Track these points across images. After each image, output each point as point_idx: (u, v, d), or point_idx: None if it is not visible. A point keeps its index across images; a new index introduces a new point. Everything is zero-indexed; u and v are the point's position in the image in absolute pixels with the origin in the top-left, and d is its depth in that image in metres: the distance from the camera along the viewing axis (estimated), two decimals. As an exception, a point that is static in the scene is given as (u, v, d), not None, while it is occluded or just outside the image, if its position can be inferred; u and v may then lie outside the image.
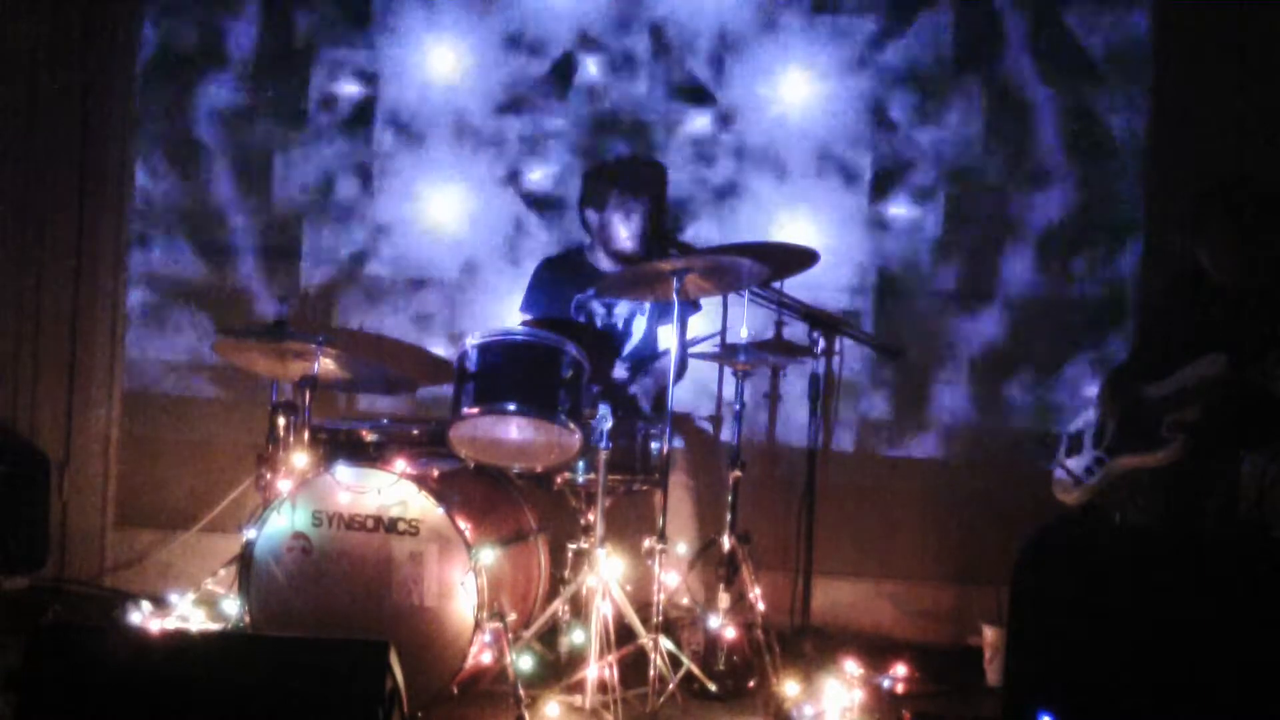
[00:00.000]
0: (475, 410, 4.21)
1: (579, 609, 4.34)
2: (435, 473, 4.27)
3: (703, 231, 5.51)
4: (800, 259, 4.63)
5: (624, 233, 4.94)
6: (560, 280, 5.07)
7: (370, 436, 4.50)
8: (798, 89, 5.52)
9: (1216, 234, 4.55)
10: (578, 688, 4.16)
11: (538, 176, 5.62)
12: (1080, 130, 5.45)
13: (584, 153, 5.56)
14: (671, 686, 4.17)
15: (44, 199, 5.69)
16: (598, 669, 4.11)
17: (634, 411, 4.73)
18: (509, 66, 5.61)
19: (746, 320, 4.49)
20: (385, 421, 4.73)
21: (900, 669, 4.72)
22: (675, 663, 4.22)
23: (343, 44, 5.69)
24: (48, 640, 3.33)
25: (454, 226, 5.67)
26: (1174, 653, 3.53)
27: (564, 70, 5.59)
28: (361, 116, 5.69)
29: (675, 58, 5.55)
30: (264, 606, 4.17)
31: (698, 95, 5.55)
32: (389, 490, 4.13)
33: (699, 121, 5.55)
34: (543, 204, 5.62)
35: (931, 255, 5.52)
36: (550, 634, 4.44)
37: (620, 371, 4.99)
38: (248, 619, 4.17)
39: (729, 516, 4.47)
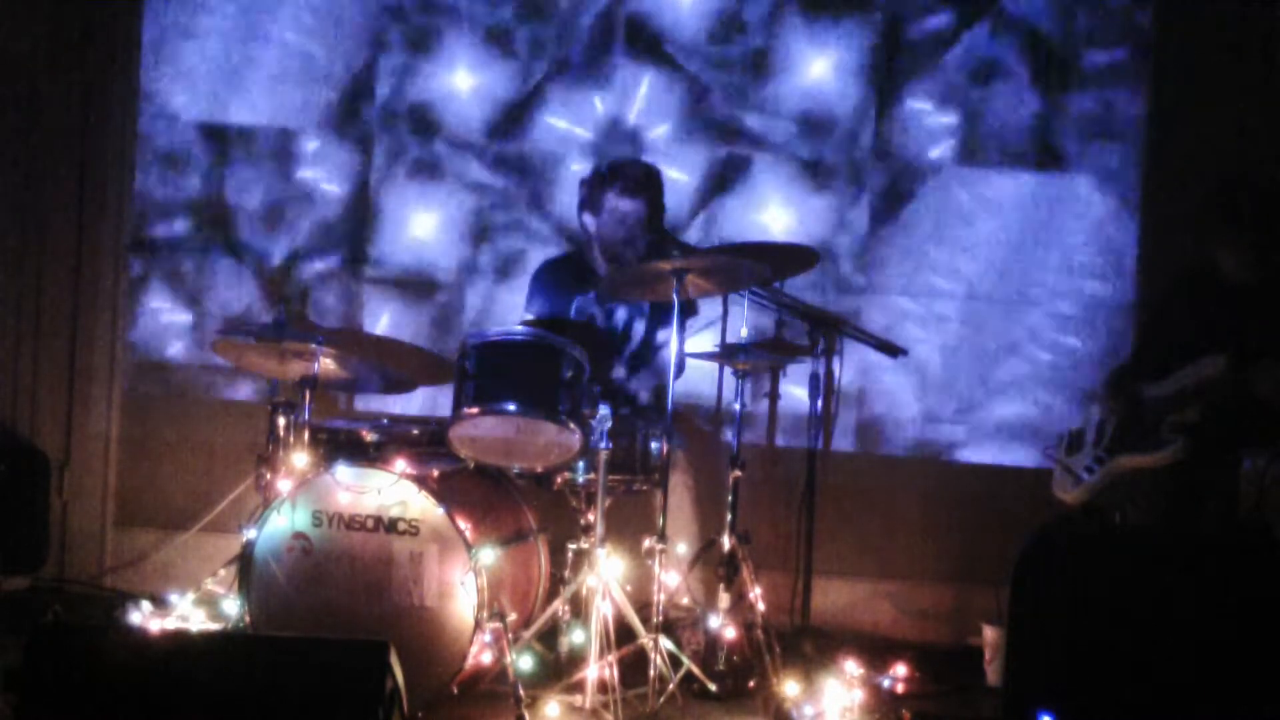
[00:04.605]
0: (475, 410, 4.21)
1: (579, 609, 4.34)
2: (435, 473, 4.27)
3: (703, 231, 5.53)
4: (800, 259, 4.63)
5: (621, 238, 4.93)
6: (561, 282, 5.06)
7: (370, 436, 4.50)
8: (798, 86, 5.55)
9: (1217, 234, 4.56)
10: (578, 688, 4.15)
11: (538, 177, 5.65)
12: (1080, 130, 5.45)
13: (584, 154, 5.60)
14: (671, 686, 4.17)
15: (44, 199, 5.70)
16: (598, 669, 4.11)
17: (633, 405, 4.73)
18: (510, 68, 5.64)
19: (746, 320, 4.50)
20: (385, 421, 4.72)
21: (900, 669, 4.71)
22: (675, 663, 4.22)
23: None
24: (48, 640, 3.33)
25: (453, 227, 5.68)
26: (1174, 652, 3.54)
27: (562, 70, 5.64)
28: (362, 116, 5.70)
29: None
30: (264, 606, 4.17)
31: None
32: (389, 490, 4.13)
33: (698, 119, 5.59)
34: (543, 203, 5.65)
35: (931, 254, 5.52)
36: (550, 634, 4.44)
37: (619, 371, 4.99)
38: (248, 619, 4.17)
39: (729, 516, 4.46)
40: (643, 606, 4.27)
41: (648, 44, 5.58)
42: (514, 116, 5.65)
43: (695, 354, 4.74)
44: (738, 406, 4.52)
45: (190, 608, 4.68)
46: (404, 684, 3.35)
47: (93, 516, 5.71)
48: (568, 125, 5.64)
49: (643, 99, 5.60)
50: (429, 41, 5.66)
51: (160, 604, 4.85)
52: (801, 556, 4.84)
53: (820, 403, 4.87)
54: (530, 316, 5.03)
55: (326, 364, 4.46)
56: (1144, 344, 4.90)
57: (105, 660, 3.31)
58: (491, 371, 4.22)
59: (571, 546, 4.42)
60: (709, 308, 5.01)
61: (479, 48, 5.64)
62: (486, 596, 4.05)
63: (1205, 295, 4.60)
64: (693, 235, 5.50)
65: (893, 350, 5.21)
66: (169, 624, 4.55)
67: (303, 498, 4.17)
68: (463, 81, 5.65)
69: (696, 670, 4.26)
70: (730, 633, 4.40)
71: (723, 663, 4.38)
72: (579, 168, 5.47)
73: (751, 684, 4.42)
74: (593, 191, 4.99)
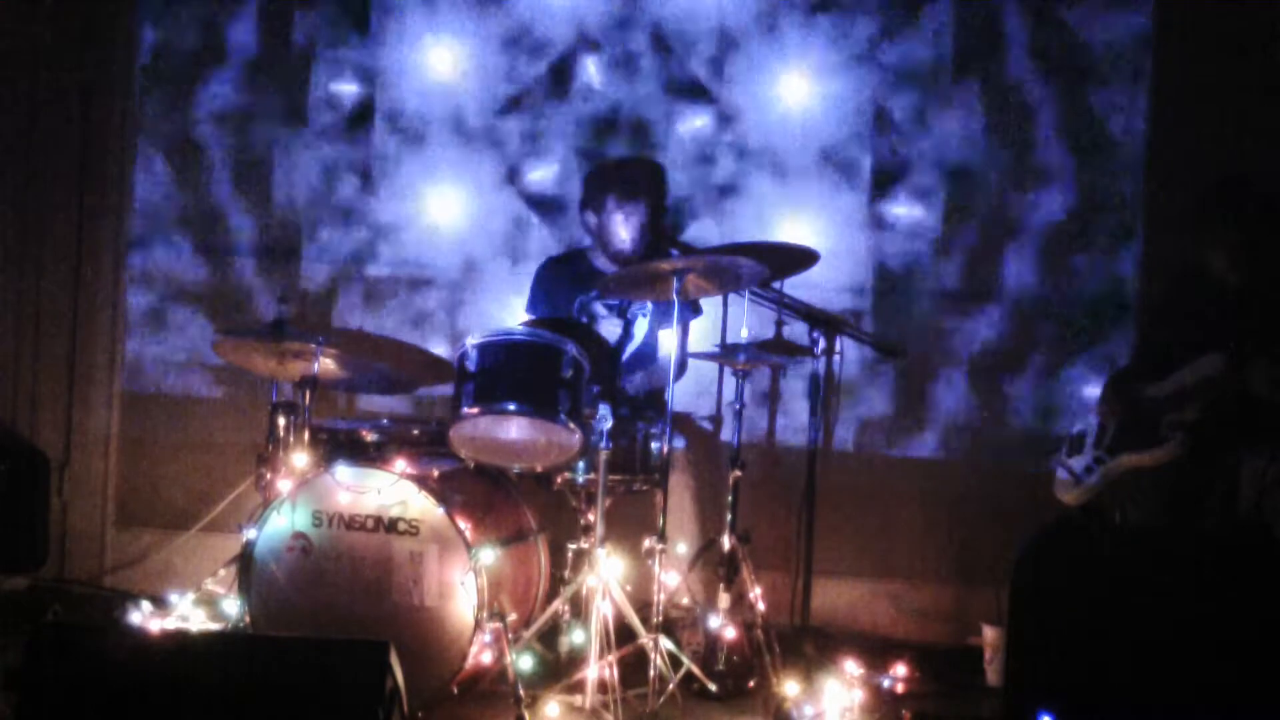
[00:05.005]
0: (475, 410, 4.21)
1: (579, 609, 4.34)
2: (435, 473, 4.27)
3: (704, 231, 5.52)
4: (800, 259, 4.63)
5: (622, 235, 4.93)
6: (563, 281, 5.07)
7: (370, 436, 4.50)
8: (798, 89, 5.53)
9: (1217, 234, 4.56)
10: (578, 688, 4.15)
11: (538, 176, 5.64)
12: (1080, 130, 5.45)
13: (584, 153, 5.58)
14: (671, 686, 4.17)
15: (44, 199, 5.70)
16: (598, 669, 4.11)
17: (633, 405, 4.73)
18: (509, 66, 5.63)
19: (746, 320, 4.49)
20: (385, 421, 4.73)
21: (900, 669, 4.71)
22: (675, 663, 4.22)
23: (342, 44, 5.71)
24: (48, 640, 3.32)
25: (454, 226, 5.68)
26: (1173, 652, 3.54)
27: (563, 70, 5.62)
28: (361, 116, 5.70)
29: (675, 57, 5.57)
30: (264, 606, 4.17)
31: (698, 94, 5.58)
32: (389, 490, 4.13)
33: (699, 121, 5.57)
34: (543, 204, 5.65)
35: (931, 255, 5.52)
36: (550, 634, 4.44)
37: (621, 370, 4.98)
38: (248, 619, 4.17)
39: (729, 516, 4.46)
40: (643, 606, 4.27)
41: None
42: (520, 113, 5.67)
43: (696, 354, 4.74)
44: (738, 406, 4.53)
45: (190, 608, 4.68)
46: (404, 684, 3.35)
47: (93, 516, 5.72)
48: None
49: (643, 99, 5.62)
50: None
51: (160, 604, 4.85)
52: (801, 556, 4.83)
53: (820, 403, 4.87)
54: (533, 317, 5.02)
55: (326, 364, 4.47)
56: (1144, 344, 4.91)
57: (105, 660, 3.31)
58: (491, 371, 4.22)
59: (571, 546, 4.42)
60: (709, 308, 5.02)
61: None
62: (486, 596, 4.06)
63: (1205, 295, 4.60)
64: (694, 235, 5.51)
65: (892, 350, 5.22)
66: (169, 624, 4.55)
67: (303, 498, 4.17)
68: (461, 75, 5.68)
69: (696, 670, 4.26)
70: (730, 633, 4.40)
71: (723, 663, 4.38)
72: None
73: (751, 684, 4.43)
74: (594, 189, 4.99)
